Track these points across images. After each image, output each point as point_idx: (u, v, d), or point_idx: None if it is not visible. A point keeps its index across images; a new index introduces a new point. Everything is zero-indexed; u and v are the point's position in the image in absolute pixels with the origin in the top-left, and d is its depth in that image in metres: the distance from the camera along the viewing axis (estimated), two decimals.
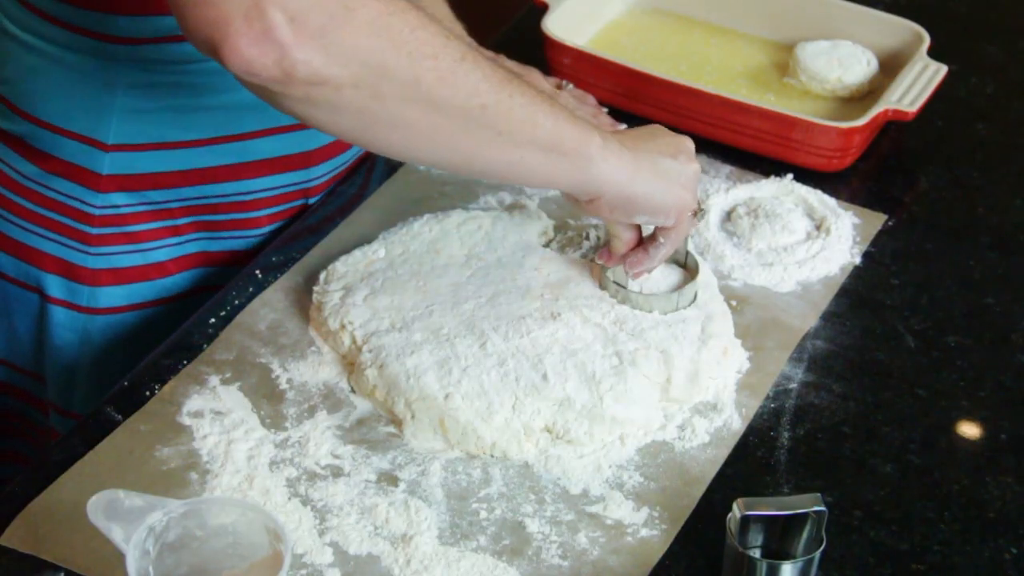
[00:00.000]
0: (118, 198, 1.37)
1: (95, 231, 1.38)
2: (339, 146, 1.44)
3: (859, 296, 1.39)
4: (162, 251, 1.41)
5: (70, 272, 1.40)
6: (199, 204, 1.40)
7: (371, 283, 1.30)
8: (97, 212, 1.38)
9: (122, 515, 1.03)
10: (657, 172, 1.23)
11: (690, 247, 1.33)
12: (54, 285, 1.40)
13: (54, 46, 1.32)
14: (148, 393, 1.24)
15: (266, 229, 1.44)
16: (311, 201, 1.45)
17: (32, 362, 1.46)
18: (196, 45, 1.04)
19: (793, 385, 1.29)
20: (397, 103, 1.08)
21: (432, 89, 1.08)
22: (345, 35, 1.03)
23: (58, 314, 1.41)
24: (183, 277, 1.43)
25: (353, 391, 1.25)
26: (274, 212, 1.43)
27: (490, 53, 1.26)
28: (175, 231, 1.41)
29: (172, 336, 1.31)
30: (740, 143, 1.54)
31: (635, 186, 1.21)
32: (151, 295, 1.42)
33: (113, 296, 1.41)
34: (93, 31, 1.29)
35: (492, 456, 1.20)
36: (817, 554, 1.07)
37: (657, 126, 1.29)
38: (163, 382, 1.25)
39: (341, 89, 1.05)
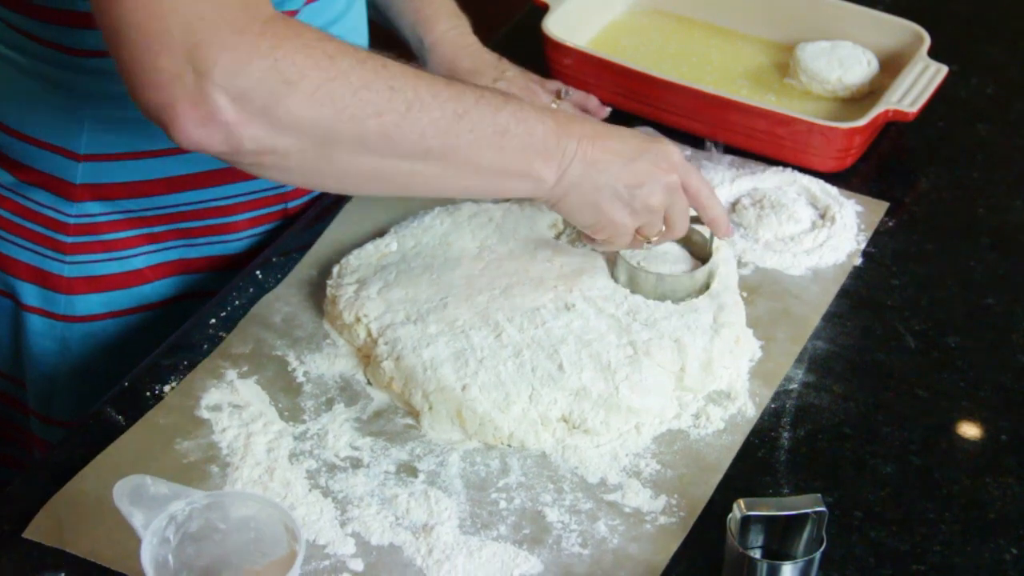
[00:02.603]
0: (93, 207, 1.37)
1: (70, 240, 1.38)
2: None
3: (859, 296, 1.39)
4: (139, 258, 1.41)
5: (45, 281, 1.40)
6: (175, 212, 1.39)
7: (384, 276, 1.31)
8: (72, 221, 1.38)
9: (146, 501, 1.03)
10: (596, 197, 1.24)
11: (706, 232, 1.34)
12: (29, 293, 1.40)
13: (25, 57, 1.31)
14: (148, 393, 1.24)
15: (245, 233, 1.43)
16: (290, 205, 1.44)
17: (11, 367, 1.46)
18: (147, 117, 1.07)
19: (794, 385, 1.29)
20: (344, 158, 1.12)
21: (377, 144, 1.11)
22: (287, 109, 1.06)
23: (35, 322, 1.41)
24: (163, 284, 1.43)
25: (369, 383, 1.26)
26: (253, 216, 1.43)
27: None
28: (152, 238, 1.41)
29: (171, 336, 1.31)
30: (741, 143, 1.54)
31: (568, 199, 1.23)
32: (130, 303, 1.42)
33: (91, 304, 1.41)
34: (61, 44, 1.29)
35: (509, 446, 1.21)
36: (817, 554, 1.07)
37: (647, 143, 1.28)
38: (163, 382, 1.25)
39: (288, 155, 1.09)
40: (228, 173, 1.38)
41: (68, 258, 1.39)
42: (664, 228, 1.28)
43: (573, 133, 1.21)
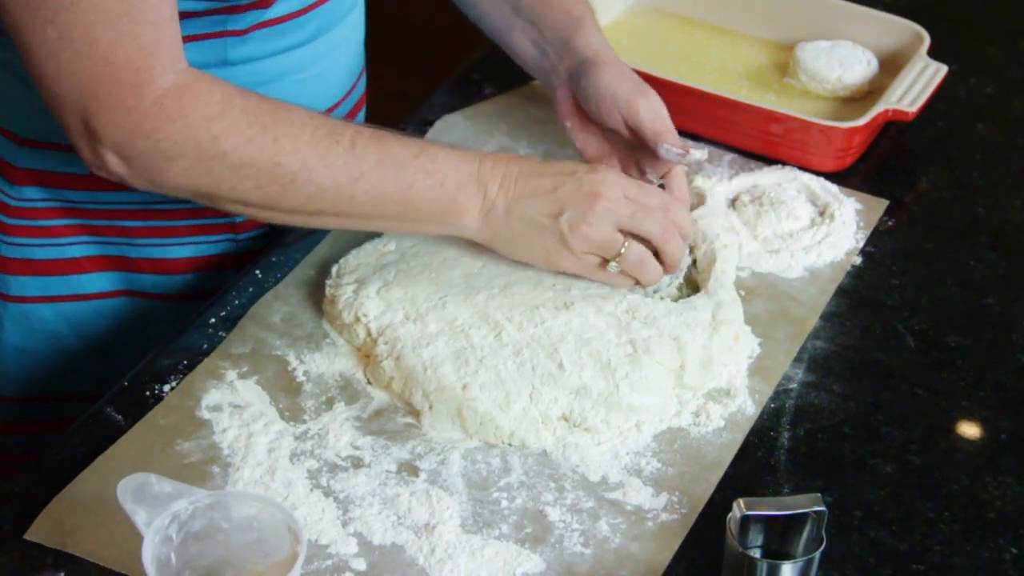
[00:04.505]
0: (33, 192, 1.37)
1: (11, 221, 1.38)
2: None
3: (859, 296, 1.39)
4: (77, 247, 1.40)
5: None
6: (115, 208, 1.39)
7: (384, 276, 1.31)
8: (13, 203, 1.38)
9: (149, 499, 1.04)
10: (524, 233, 1.26)
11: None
12: None
13: None
14: (148, 393, 1.24)
15: (188, 239, 1.42)
16: (238, 219, 1.42)
17: None
18: None
19: (793, 385, 1.29)
20: (235, 208, 1.23)
21: (263, 205, 1.22)
22: (167, 178, 1.19)
23: None
24: (102, 277, 1.42)
25: (369, 383, 1.26)
26: (195, 224, 1.41)
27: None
28: (91, 231, 1.40)
29: (171, 336, 1.31)
30: (741, 143, 1.54)
31: (497, 244, 1.28)
32: (65, 290, 1.42)
33: (25, 286, 1.41)
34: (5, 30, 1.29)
35: (510, 445, 1.21)
36: (817, 554, 1.07)
37: (576, 171, 1.27)
38: (163, 382, 1.25)
39: (182, 194, 1.23)
40: None
41: (8, 239, 1.39)
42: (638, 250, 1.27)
43: (497, 174, 1.25)
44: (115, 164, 1.18)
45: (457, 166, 1.24)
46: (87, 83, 1.14)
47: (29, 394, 1.46)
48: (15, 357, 1.44)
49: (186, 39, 1.27)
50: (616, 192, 1.26)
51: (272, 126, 1.18)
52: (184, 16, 1.26)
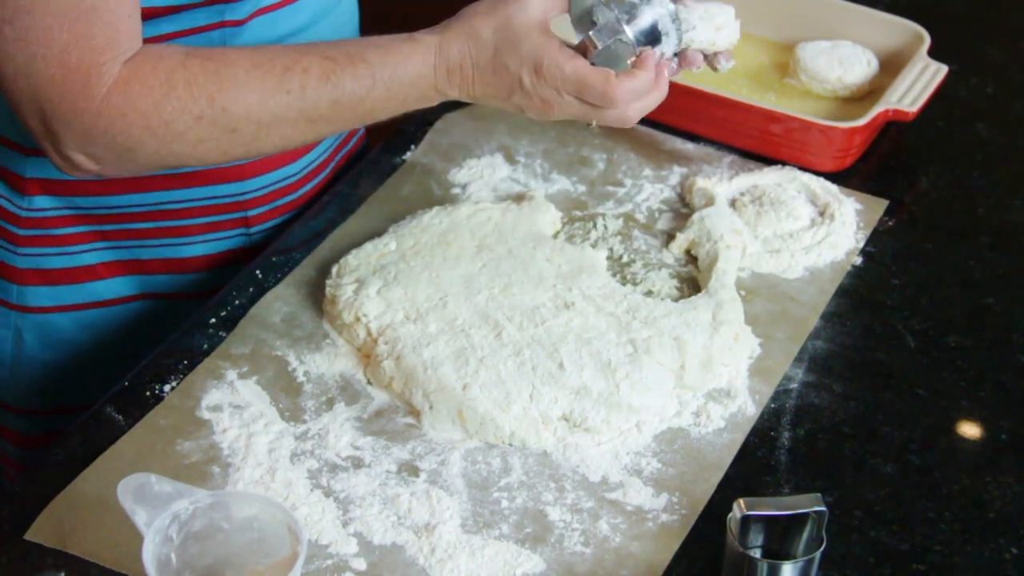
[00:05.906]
0: (42, 201, 1.37)
1: (22, 232, 1.38)
2: (275, 161, 1.42)
3: (859, 296, 1.39)
4: (91, 255, 1.41)
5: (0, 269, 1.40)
6: (125, 212, 1.39)
7: (384, 275, 1.31)
8: (23, 214, 1.38)
9: (150, 499, 1.04)
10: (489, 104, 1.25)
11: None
12: None
13: None
14: (148, 393, 1.24)
15: (200, 238, 1.42)
16: (250, 214, 1.43)
17: None
18: None
19: (794, 385, 1.29)
20: (214, 165, 1.27)
21: (236, 158, 1.24)
22: (137, 164, 1.21)
23: None
24: (117, 282, 1.43)
25: (370, 383, 1.26)
26: (208, 222, 1.42)
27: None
28: (103, 236, 1.40)
29: (171, 336, 1.31)
30: (741, 143, 1.54)
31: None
32: (82, 298, 1.42)
33: (41, 296, 1.41)
34: None
35: (511, 445, 1.21)
36: (817, 554, 1.07)
37: (522, 78, 1.21)
38: (163, 382, 1.25)
39: (159, 171, 1.26)
40: (179, 178, 1.37)
41: (20, 250, 1.39)
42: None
43: (454, 82, 1.22)
44: (84, 163, 1.19)
45: (415, 84, 1.22)
46: (42, 86, 1.15)
47: (53, 406, 1.46)
48: (37, 370, 1.43)
49: (185, 32, 1.28)
50: (566, 96, 1.21)
51: (218, 95, 1.18)
52: (182, 9, 1.26)
